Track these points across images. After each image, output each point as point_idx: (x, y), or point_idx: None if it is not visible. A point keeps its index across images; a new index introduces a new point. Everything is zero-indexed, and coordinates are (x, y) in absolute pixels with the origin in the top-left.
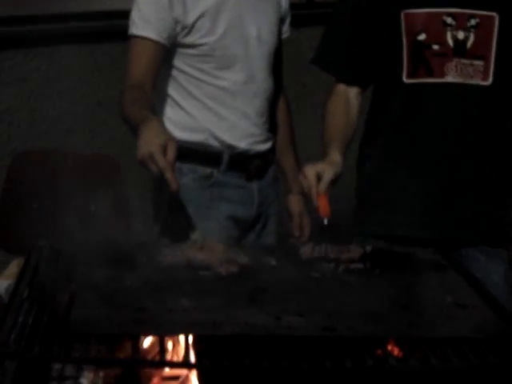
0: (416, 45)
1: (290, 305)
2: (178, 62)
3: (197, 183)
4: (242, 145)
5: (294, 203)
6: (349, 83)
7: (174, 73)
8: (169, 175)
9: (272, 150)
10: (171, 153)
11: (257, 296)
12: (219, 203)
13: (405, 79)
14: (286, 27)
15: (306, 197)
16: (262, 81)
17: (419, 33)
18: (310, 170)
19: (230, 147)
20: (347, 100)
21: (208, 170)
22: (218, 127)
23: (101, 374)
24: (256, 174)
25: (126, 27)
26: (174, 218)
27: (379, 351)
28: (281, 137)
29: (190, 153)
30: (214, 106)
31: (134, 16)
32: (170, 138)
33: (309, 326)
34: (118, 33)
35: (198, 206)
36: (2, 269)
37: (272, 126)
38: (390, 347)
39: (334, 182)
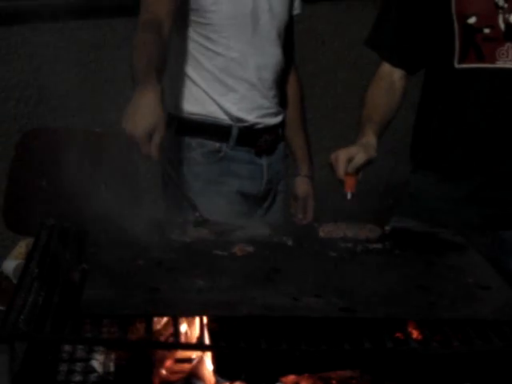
0: (466, 28)
1: (308, 285)
2: (189, 31)
3: (205, 158)
4: (251, 117)
5: (301, 185)
6: (395, 65)
7: (185, 43)
8: (155, 156)
9: (282, 125)
10: (157, 139)
11: (273, 276)
12: (228, 178)
13: (456, 64)
14: (297, 3)
15: (313, 180)
16: (272, 54)
17: (470, 16)
18: (342, 155)
19: (239, 120)
20: (391, 82)
21: (217, 145)
22: (226, 99)
23: (112, 355)
24: (265, 149)
25: (135, 2)
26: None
27: (399, 333)
28: (291, 114)
29: (198, 127)
30: (223, 78)
31: None
32: (158, 119)
33: (327, 308)
34: (127, 8)
35: (207, 181)
36: (10, 249)
37: (283, 102)
38: (410, 329)
39: (365, 165)
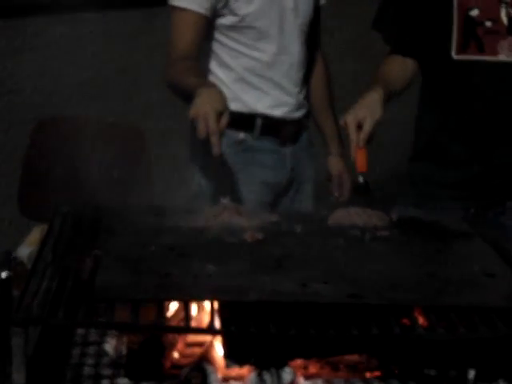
0: (468, 21)
1: (316, 272)
2: (215, 32)
3: (230, 148)
4: (275, 113)
5: (334, 164)
6: (404, 54)
7: (211, 43)
8: (215, 140)
9: (306, 116)
10: (225, 120)
11: (282, 262)
12: (252, 168)
13: (454, 55)
14: None
15: (346, 158)
16: (296, 52)
17: (472, 8)
18: (351, 119)
19: (264, 116)
20: (403, 61)
21: (241, 135)
22: (254, 98)
23: (124, 339)
24: (289, 139)
25: None
26: (209, 182)
27: (406, 319)
28: (318, 95)
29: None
30: (248, 77)
31: None
32: (226, 107)
33: (335, 293)
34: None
35: (231, 171)
36: (25, 235)
37: (308, 91)
38: (416, 315)
39: (375, 128)
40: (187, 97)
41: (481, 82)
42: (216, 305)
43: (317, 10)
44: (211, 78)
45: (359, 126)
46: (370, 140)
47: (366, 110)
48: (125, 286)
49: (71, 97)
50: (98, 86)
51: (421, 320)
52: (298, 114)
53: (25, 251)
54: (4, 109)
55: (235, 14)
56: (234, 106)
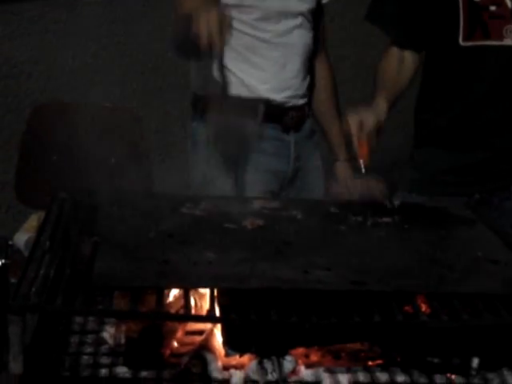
0: (472, 6)
1: (318, 258)
2: None
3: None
4: (279, 97)
5: (341, 169)
6: (403, 46)
7: None
8: (218, 39)
9: (309, 104)
10: (226, 28)
11: (283, 249)
12: (256, 156)
13: (461, 42)
14: None
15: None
16: (301, 35)
17: None
18: (353, 118)
19: (267, 100)
20: (401, 59)
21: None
22: (256, 79)
23: (123, 327)
24: (292, 126)
25: None
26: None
27: (408, 306)
28: (324, 106)
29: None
30: (252, 58)
31: None
32: (228, 19)
33: (337, 280)
34: None
35: (235, 159)
36: (22, 223)
37: (311, 87)
38: (419, 302)
39: (378, 130)
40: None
41: (487, 66)
42: (216, 292)
43: (319, 5)
44: (211, 62)
45: (361, 125)
46: (372, 138)
47: (369, 111)
48: (123, 274)
49: (69, 82)
50: (96, 71)
51: (424, 307)
52: (301, 102)
53: (22, 238)
54: (0, 94)
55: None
56: (236, 90)
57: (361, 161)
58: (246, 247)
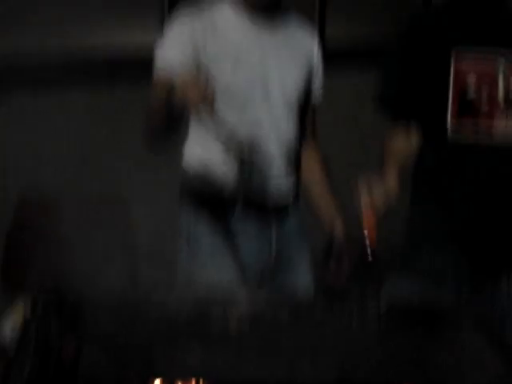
0: (464, 103)
1: (303, 358)
2: None
3: (211, 229)
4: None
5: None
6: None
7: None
8: (209, 99)
9: (293, 198)
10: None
11: (268, 349)
12: (233, 250)
13: (449, 136)
14: (316, 93)
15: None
16: (284, 129)
17: (468, 90)
18: (364, 184)
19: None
20: (406, 138)
21: (222, 218)
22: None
23: None
24: (274, 222)
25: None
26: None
27: None
28: (313, 186)
29: (204, 201)
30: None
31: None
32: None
33: (322, 379)
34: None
35: (212, 254)
36: (7, 311)
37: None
38: None
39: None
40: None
41: (475, 164)
42: None
43: (308, 92)
44: (193, 147)
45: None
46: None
47: (381, 182)
48: (109, 369)
49: (54, 174)
50: (84, 162)
51: None
52: (283, 200)
53: (6, 329)
54: None
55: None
56: (215, 186)
57: (365, 232)
58: (231, 347)
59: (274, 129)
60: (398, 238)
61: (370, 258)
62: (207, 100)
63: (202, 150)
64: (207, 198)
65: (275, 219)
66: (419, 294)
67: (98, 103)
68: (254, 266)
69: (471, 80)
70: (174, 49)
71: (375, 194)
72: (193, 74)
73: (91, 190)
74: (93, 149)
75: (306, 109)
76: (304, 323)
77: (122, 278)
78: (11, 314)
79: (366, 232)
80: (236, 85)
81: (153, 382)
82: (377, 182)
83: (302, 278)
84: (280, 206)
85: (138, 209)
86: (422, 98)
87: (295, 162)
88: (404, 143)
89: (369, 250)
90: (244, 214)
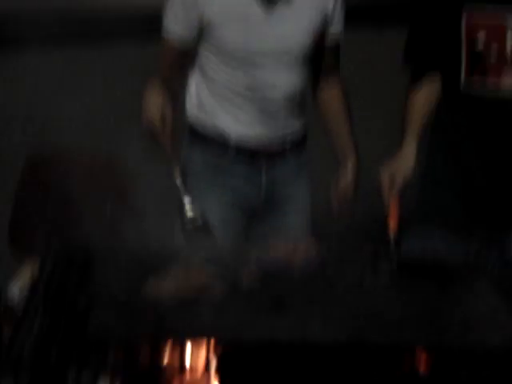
0: (474, 55)
1: (315, 313)
2: (204, 60)
3: (203, 169)
4: (253, 145)
5: (343, 175)
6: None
7: (202, 70)
8: (165, 140)
9: (293, 142)
10: (168, 126)
11: (281, 303)
12: (225, 191)
13: (462, 88)
14: (334, 26)
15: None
16: (273, 86)
17: (477, 41)
18: (385, 174)
19: (238, 144)
20: (431, 90)
21: (215, 158)
22: (228, 120)
23: (119, 382)
24: (266, 167)
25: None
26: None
27: (410, 360)
28: (335, 128)
29: (197, 139)
30: (226, 105)
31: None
32: (164, 109)
33: (335, 335)
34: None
35: (203, 192)
36: (15, 272)
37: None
38: (420, 356)
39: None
40: None
41: (485, 117)
42: (212, 345)
43: (322, 37)
44: (197, 99)
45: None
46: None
47: (400, 165)
48: (119, 328)
49: (63, 130)
50: (92, 120)
51: (424, 361)
52: (277, 148)
53: (15, 290)
54: None
55: (217, 45)
56: (211, 129)
57: (391, 225)
58: (243, 301)
59: (279, 76)
60: (412, 192)
61: (392, 245)
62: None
63: (202, 98)
64: (203, 138)
65: (267, 162)
66: (433, 249)
67: (109, 60)
68: (244, 207)
69: (481, 36)
70: (176, 18)
71: (397, 181)
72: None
73: (100, 149)
74: (104, 107)
75: (321, 51)
76: (315, 280)
77: (131, 236)
78: (20, 275)
79: (391, 235)
80: (242, 40)
81: (163, 341)
82: (397, 166)
83: (297, 221)
84: (276, 150)
85: (148, 168)
86: (438, 52)
87: (301, 105)
88: (426, 99)
89: (392, 237)
90: (237, 156)
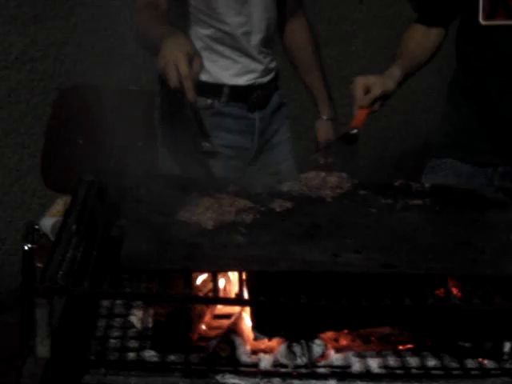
0: None
1: (348, 241)
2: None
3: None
4: (242, 81)
5: (322, 129)
6: (428, 23)
7: (181, 12)
8: (189, 84)
9: (275, 79)
10: (197, 65)
11: (313, 232)
12: (220, 133)
13: (482, 20)
14: None
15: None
16: (261, 19)
17: None
18: (360, 82)
19: (230, 85)
20: (425, 32)
21: (208, 101)
22: (217, 65)
23: (151, 311)
24: (258, 104)
25: None
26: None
27: (440, 289)
28: (302, 59)
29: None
30: (215, 46)
31: None
32: (196, 51)
33: (367, 263)
34: None
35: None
36: (48, 207)
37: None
38: (451, 285)
39: (384, 98)
40: (153, 48)
41: (506, 46)
42: (244, 275)
43: None
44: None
45: (367, 91)
46: (375, 107)
47: (378, 79)
48: (151, 256)
49: (94, 66)
50: (121, 55)
51: (455, 290)
52: (267, 79)
53: (48, 222)
54: (26, 78)
55: None
56: (201, 77)
57: (352, 127)
58: (275, 230)
59: (253, 23)
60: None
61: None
62: (187, 83)
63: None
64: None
65: (258, 102)
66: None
67: None
68: (238, 146)
69: None
70: None
71: (371, 91)
72: (176, 52)
73: (130, 81)
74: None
75: None
76: (348, 207)
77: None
78: (54, 205)
79: (353, 122)
80: None
81: (194, 273)
82: (375, 78)
83: (282, 155)
84: (262, 87)
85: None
86: None
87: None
88: (420, 38)
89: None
90: (229, 97)
